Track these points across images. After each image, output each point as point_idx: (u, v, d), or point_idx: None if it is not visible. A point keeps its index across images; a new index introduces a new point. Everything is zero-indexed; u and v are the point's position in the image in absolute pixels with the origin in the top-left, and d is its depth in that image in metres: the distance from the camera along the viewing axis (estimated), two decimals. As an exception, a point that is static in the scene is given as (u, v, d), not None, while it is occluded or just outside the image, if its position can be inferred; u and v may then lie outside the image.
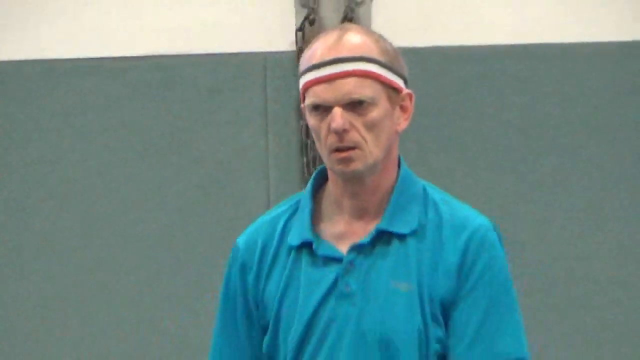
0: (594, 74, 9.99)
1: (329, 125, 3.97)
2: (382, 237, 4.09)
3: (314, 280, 4.24)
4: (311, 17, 9.52)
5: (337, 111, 3.93)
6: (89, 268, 10.51)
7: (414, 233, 4.17)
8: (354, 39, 4.17)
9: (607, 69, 10.01)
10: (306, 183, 4.44)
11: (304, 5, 9.59)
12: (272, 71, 9.93)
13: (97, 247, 10.47)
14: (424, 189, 4.29)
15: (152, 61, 10.36)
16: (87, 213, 10.53)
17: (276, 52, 9.88)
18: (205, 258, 9.66)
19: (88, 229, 10.43)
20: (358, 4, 9.71)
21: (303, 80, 4.15)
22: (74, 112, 10.50)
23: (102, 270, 10.46)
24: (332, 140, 3.98)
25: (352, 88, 4.00)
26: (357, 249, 4.03)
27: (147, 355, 10.19)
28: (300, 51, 9.41)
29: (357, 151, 3.99)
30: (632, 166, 10.04)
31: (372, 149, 4.09)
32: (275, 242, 4.38)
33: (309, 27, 9.53)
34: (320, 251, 4.10)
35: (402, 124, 4.17)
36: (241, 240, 4.47)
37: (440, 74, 9.98)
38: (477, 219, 4.19)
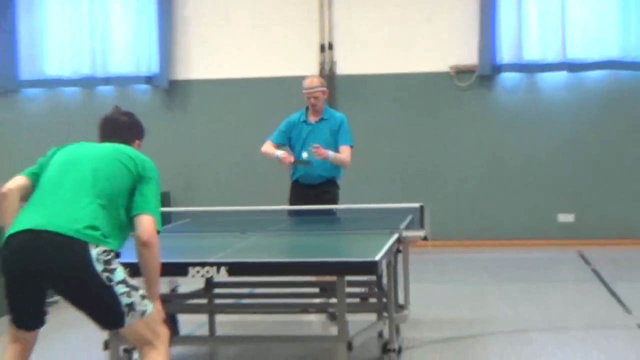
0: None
1: (311, 101, 8.27)
2: (320, 121, 8.41)
3: (305, 129, 8.42)
4: (323, 64, 12.78)
5: (312, 99, 8.26)
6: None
7: (327, 119, 8.43)
8: (315, 80, 8.56)
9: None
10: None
11: (320, 64, 12.80)
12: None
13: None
14: (330, 110, 8.67)
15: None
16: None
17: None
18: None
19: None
20: (334, 64, 12.81)
21: (303, 90, 8.35)
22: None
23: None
24: (310, 103, 8.31)
25: (316, 93, 8.28)
26: (315, 122, 8.39)
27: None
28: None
29: (317, 105, 8.27)
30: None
31: (319, 104, 8.28)
32: (297, 121, 8.50)
33: (320, 71, 12.60)
34: (307, 122, 8.44)
35: (325, 96, 8.47)
36: (288, 119, 8.57)
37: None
38: (342, 115, 8.63)
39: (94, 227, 4.22)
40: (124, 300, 4.21)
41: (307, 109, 8.44)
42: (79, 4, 13.31)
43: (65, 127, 12.26)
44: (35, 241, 4.21)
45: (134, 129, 4.93)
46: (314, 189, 8.26)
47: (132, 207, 4.39)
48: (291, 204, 8.45)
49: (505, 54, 12.71)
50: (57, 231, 4.18)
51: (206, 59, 13.22)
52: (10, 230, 4.30)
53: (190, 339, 7.04)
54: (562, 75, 12.70)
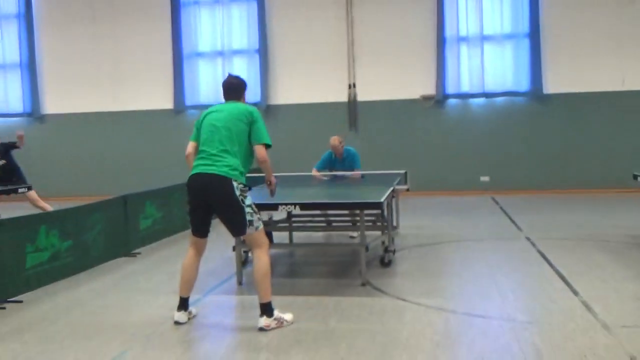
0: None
1: (334, 150, 7.51)
2: (342, 159, 7.59)
3: (335, 162, 7.64)
4: (350, 95, 12.36)
5: (335, 149, 7.50)
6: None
7: (346, 156, 7.58)
8: (336, 140, 7.52)
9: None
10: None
11: (348, 95, 12.37)
12: (341, 107, 12.47)
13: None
14: (346, 149, 7.61)
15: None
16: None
17: (343, 102, 12.51)
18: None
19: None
20: (356, 95, 12.41)
21: (330, 145, 7.55)
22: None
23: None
24: (335, 151, 7.54)
25: (338, 147, 7.53)
26: (341, 159, 7.59)
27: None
28: (349, 103, 12.30)
29: (338, 151, 7.44)
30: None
31: (340, 150, 7.61)
32: (330, 157, 7.61)
33: (350, 99, 12.41)
34: (336, 159, 7.62)
35: (343, 144, 7.57)
36: (324, 156, 7.64)
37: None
38: (354, 151, 7.66)
39: (235, 168, 4.24)
40: (248, 217, 4.23)
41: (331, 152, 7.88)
42: (216, 62, 13.13)
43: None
44: (203, 179, 4.24)
45: (242, 86, 4.55)
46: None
47: (251, 140, 4.35)
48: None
49: (450, 87, 12.36)
50: (214, 173, 4.21)
51: (285, 92, 12.97)
52: (190, 173, 4.34)
53: (279, 245, 7.00)
54: (482, 100, 12.37)
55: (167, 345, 3.96)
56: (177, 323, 4.36)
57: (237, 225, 4.26)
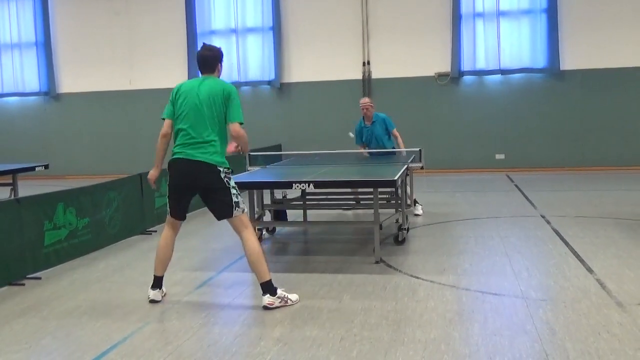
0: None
1: (364, 111, 7.40)
2: (373, 123, 7.49)
3: (367, 130, 7.57)
4: (364, 73, 12.27)
5: (365, 110, 7.42)
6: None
7: (376, 120, 7.52)
8: (367, 99, 7.61)
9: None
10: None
11: (362, 72, 12.29)
12: (355, 85, 12.34)
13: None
14: (376, 114, 7.53)
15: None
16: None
17: (357, 79, 12.44)
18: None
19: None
20: (371, 72, 12.31)
21: (360, 104, 7.51)
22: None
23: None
24: (364, 112, 7.42)
25: (367, 106, 7.47)
26: (371, 125, 7.52)
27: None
28: (363, 81, 12.28)
29: (368, 113, 7.44)
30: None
31: (370, 113, 7.47)
32: (361, 126, 7.59)
33: (364, 76, 12.34)
34: (366, 126, 7.57)
35: (373, 108, 7.47)
36: (356, 126, 7.61)
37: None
38: (383, 114, 7.54)
39: (218, 153, 4.20)
40: (234, 198, 4.20)
41: (363, 118, 7.79)
42: (230, 39, 13.00)
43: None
44: (186, 166, 4.20)
45: (216, 58, 4.32)
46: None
47: (227, 119, 4.22)
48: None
49: (466, 64, 12.26)
50: (203, 160, 4.16)
51: (298, 70, 12.89)
52: (172, 158, 4.28)
53: (293, 223, 7.04)
54: (498, 77, 12.23)
55: (184, 320, 4.00)
56: (152, 301, 4.36)
57: (225, 207, 4.20)
